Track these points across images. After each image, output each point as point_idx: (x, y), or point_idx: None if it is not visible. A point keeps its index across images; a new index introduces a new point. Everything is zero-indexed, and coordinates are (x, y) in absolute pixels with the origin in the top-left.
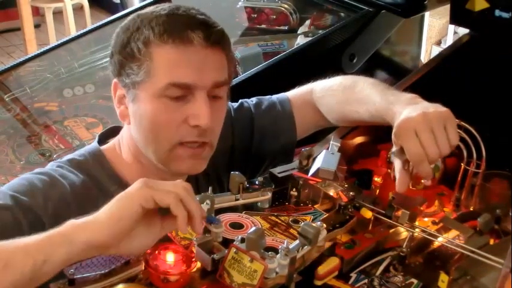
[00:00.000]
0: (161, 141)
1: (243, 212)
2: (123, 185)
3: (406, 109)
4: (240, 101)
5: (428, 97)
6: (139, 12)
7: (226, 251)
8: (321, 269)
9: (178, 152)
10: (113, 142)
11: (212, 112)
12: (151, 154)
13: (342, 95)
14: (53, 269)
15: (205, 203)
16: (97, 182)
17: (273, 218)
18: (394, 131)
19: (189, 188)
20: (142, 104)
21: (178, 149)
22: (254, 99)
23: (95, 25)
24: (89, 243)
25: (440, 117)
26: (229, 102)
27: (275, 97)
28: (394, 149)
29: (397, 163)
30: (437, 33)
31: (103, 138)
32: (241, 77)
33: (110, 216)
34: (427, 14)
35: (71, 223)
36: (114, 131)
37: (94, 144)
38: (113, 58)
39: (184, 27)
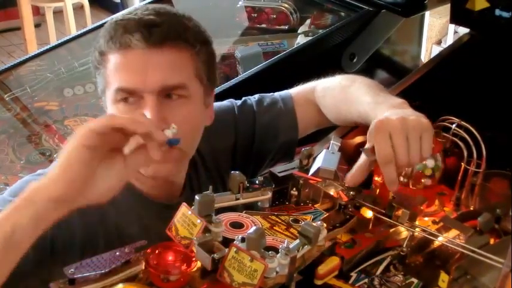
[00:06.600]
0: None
1: (243, 212)
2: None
3: (388, 111)
4: (243, 98)
5: (429, 96)
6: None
7: (226, 251)
8: (321, 269)
9: None
10: None
11: (169, 113)
12: None
13: (339, 94)
14: (24, 235)
15: (171, 128)
16: None
17: (273, 217)
18: (369, 128)
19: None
20: (107, 111)
21: None
22: (257, 96)
23: (95, 24)
24: (50, 199)
25: (419, 126)
26: (233, 100)
27: (278, 94)
28: (367, 145)
29: (362, 159)
30: (437, 33)
31: None
32: (241, 76)
33: (60, 167)
34: (427, 13)
35: (31, 186)
36: None
37: None
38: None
39: (124, 31)
